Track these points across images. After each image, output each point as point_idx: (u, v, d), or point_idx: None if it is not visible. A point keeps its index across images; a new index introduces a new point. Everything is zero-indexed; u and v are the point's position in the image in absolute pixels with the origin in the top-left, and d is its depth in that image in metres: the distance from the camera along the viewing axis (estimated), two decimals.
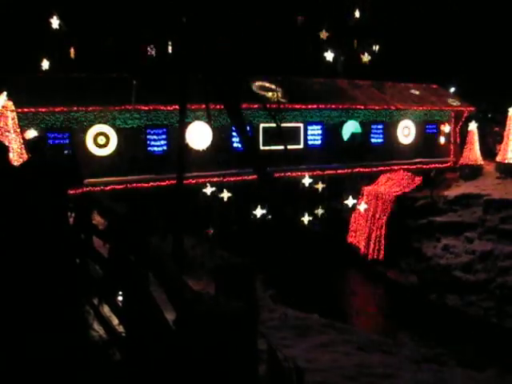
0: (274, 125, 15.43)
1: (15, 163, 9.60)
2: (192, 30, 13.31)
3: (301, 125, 18.95)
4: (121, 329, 4.53)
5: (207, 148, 16.44)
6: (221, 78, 12.94)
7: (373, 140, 20.46)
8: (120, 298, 4.64)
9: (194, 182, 16.76)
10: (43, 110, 14.89)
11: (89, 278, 5.69)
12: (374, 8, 25.17)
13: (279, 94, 17.34)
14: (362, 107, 19.98)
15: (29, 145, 5.53)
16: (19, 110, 13.46)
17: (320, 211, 19.73)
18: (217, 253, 15.98)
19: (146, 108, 16.26)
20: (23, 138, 12.77)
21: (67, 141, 15.20)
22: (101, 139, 15.75)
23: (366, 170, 20.39)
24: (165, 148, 16.71)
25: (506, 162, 19.85)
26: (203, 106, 14.80)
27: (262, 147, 17.87)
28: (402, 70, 23.28)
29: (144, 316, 3.53)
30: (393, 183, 21.89)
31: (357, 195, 20.70)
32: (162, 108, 16.46)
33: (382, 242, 20.72)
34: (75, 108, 15.32)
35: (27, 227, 4.79)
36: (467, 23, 25.04)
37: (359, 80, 21.93)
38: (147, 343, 3.49)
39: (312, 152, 19.13)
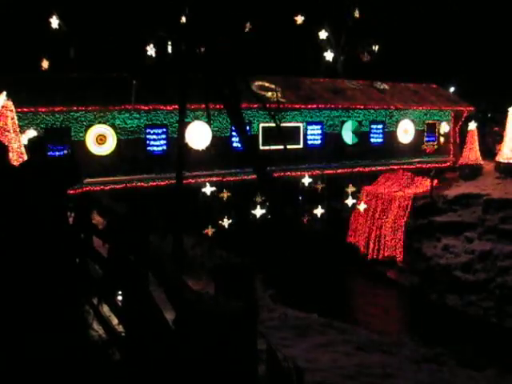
0: (273, 125, 15.43)
1: (15, 163, 9.60)
2: (192, 30, 13.31)
3: (300, 125, 18.95)
4: (120, 328, 4.53)
5: (206, 147, 16.46)
6: (221, 77, 12.94)
7: (372, 140, 20.46)
8: (119, 298, 4.64)
9: (193, 181, 16.77)
10: (43, 109, 14.89)
11: (88, 277, 5.69)
12: (374, 8, 25.18)
13: (279, 94, 17.34)
14: (362, 107, 19.99)
15: (29, 145, 5.51)
16: (19, 110, 13.45)
17: (320, 211, 19.74)
18: (216, 253, 15.98)
19: (146, 108, 16.27)
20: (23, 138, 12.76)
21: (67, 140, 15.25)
22: (100, 139, 15.75)
23: (366, 169, 20.41)
24: (164, 148, 16.72)
25: (506, 161, 19.85)
26: (203, 105, 14.81)
27: (261, 147, 17.87)
28: (402, 70, 23.28)
29: (143, 316, 3.53)
30: (392, 183, 21.90)
31: (357, 195, 20.69)
32: (161, 108, 16.47)
33: (382, 241, 20.72)
34: (75, 108, 15.32)
35: (27, 227, 4.79)
36: (467, 23, 25.04)
37: (359, 80, 21.93)
38: (147, 343, 3.49)
39: (312, 152, 19.14)
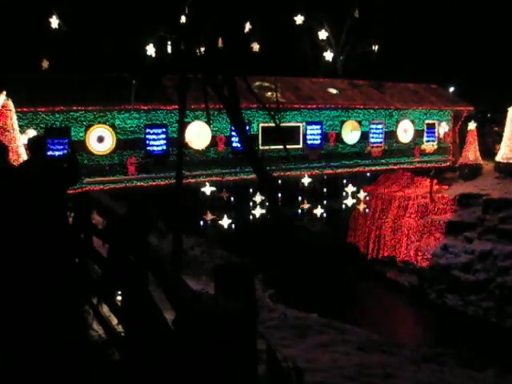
0: (273, 124, 15.43)
1: (15, 163, 9.59)
2: (192, 30, 13.31)
3: (300, 124, 18.95)
4: (120, 328, 4.53)
5: (206, 147, 16.46)
6: (221, 78, 12.93)
7: (372, 140, 20.46)
8: (119, 298, 4.64)
9: (193, 181, 16.78)
10: (43, 109, 14.90)
11: (88, 277, 5.69)
12: (374, 8, 25.17)
13: (278, 94, 17.34)
14: (362, 107, 19.99)
15: (29, 144, 5.51)
16: (19, 110, 13.45)
17: (319, 211, 19.75)
18: (216, 253, 15.99)
19: (146, 108, 16.28)
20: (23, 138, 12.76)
21: (66, 140, 15.26)
22: (100, 139, 15.76)
23: (366, 170, 20.40)
24: (164, 148, 16.72)
25: (506, 161, 19.85)
26: (203, 105, 14.80)
27: (261, 147, 17.88)
28: (402, 70, 23.28)
29: (143, 316, 3.53)
30: (392, 183, 21.91)
31: (356, 195, 20.70)
32: (161, 108, 16.48)
33: (382, 241, 20.73)
34: (75, 108, 15.33)
35: (27, 227, 4.79)
36: (467, 23, 25.04)
37: (359, 80, 21.94)
38: (146, 343, 3.48)
39: (311, 152, 19.14)
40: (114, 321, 4.73)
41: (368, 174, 20.54)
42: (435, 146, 21.83)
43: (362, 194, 20.75)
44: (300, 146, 18.94)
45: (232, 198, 18.03)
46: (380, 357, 6.67)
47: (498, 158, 20.29)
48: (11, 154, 11.16)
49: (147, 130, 16.46)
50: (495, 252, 16.43)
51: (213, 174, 17.30)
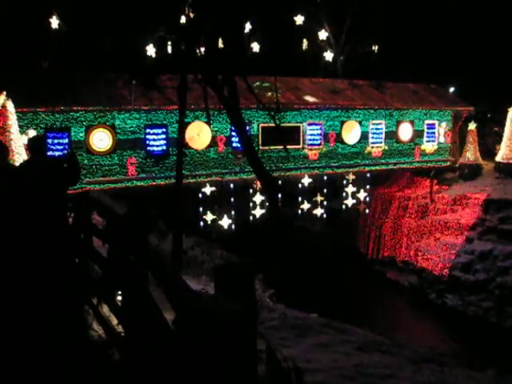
0: (273, 125, 15.43)
1: (15, 163, 9.60)
2: (192, 30, 13.30)
3: (300, 125, 18.96)
4: (120, 329, 4.53)
5: (206, 147, 16.45)
6: (221, 78, 12.92)
7: (372, 140, 20.46)
8: (119, 298, 4.64)
9: (193, 181, 16.78)
10: (43, 109, 14.90)
11: (88, 277, 5.69)
12: (374, 8, 25.17)
13: (279, 94, 17.33)
14: (362, 107, 19.99)
15: (29, 144, 5.51)
16: (19, 110, 13.45)
17: (320, 211, 19.75)
18: (216, 253, 16.00)
19: (146, 108, 16.28)
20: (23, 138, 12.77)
21: (67, 140, 15.28)
22: (100, 139, 15.76)
23: (366, 170, 20.40)
24: (164, 148, 16.72)
25: (506, 161, 19.86)
26: (202, 105, 14.79)
27: (261, 147, 17.88)
28: (402, 70, 23.27)
29: (143, 316, 3.53)
30: (392, 183, 21.89)
31: (356, 195, 20.70)
32: (161, 108, 16.48)
33: (382, 241, 20.73)
34: (75, 108, 15.33)
35: (27, 227, 4.79)
36: (467, 23, 25.03)
37: (359, 80, 21.94)
38: (146, 343, 3.48)
39: (311, 152, 19.14)
40: (114, 321, 4.73)
41: (368, 175, 20.54)
42: (435, 147, 21.83)
43: (362, 195, 20.75)
44: (300, 146, 18.94)
45: (232, 199, 18.04)
46: (379, 357, 6.67)
47: (498, 158, 20.30)
48: (11, 154, 11.18)
49: (147, 130, 16.46)
50: (495, 252, 16.45)
51: (213, 174, 17.31)
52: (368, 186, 20.89)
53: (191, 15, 13.87)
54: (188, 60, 13.04)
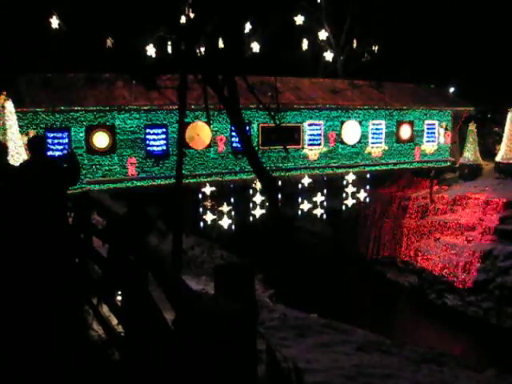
0: (273, 125, 15.42)
1: (15, 163, 9.59)
2: (192, 30, 13.29)
3: (300, 125, 18.95)
4: (120, 329, 4.53)
5: (206, 147, 16.44)
6: (221, 78, 12.92)
7: (372, 140, 20.46)
8: (119, 298, 4.64)
9: (193, 181, 16.78)
10: (43, 109, 14.90)
11: (88, 277, 5.68)
12: (374, 8, 25.17)
13: (279, 94, 17.32)
14: (361, 107, 19.98)
15: (28, 144, 5.51)
16: (19, 110, 13.45)
17: (320, 211, 19.74)
18: (216, 253, 16.00)
19: (146, 108, 16.28)
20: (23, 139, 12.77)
21: (67, 140, 15.28)
22: (100, 139, 15.76)
23: (366, 170, 20.40)
24: (164, 148, 16.73)
25: (506, 161, 19.86)
26: (202, 105, 14.79)
27: (261, 147, 17.89)
28: (402, 70, 23.26)
29: (143, 316, 3.52)
30: (392, 183, 21.88)
31: (356, 196, 20.69)
32: (161, 108, 16.48)
33: (382, 241, 20.73)
34: (75, 108, 15.33)
35: (27, 227, 4.78)
36: (467, 23, 25.03)
37: (359, 80, 21.93)
38: (146, 343, 3.48)
39: (311, 152, 19.14)
40: (114, 321, 4.73)
41: (368, 175, 20.54)
42: (435, 147, 21.84)
43: (362, 195, 20.74)
44: (300, 146, 18.94)
45: (232, 199, 18.03)
46: (379, 357, 6.67)
47: (498, 159, 20.30)
48: (11, 155, 11.18)
49: (147, 130, 16.46)
50: (495, 252, 16.44)
51: (213, 175, 17.30)
52: (368, 187, 20.90)
53: (191, 15, 13.87)
54: (188, 60, 13.03)
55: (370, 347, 7.10)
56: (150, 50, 18.70)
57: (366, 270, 20.15)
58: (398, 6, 24.78)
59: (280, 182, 18.09)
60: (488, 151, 22.35)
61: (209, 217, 17.79)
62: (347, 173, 20.01)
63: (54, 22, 18.75)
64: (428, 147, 21.61)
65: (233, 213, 18.18)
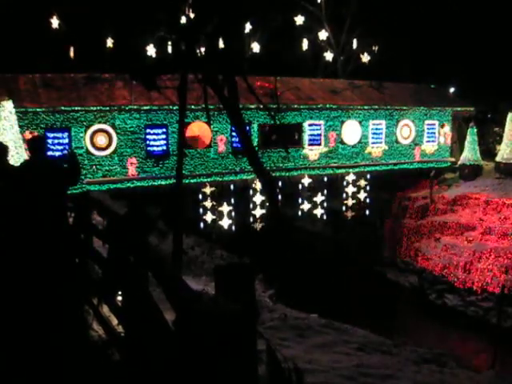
0: (273, 125, 15.43)
1: (15, 163, 9.59)
2: (192, 30, 13.29)
3: (300, 125, 18.95)
4: (120, 329, 4.53)
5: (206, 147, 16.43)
6: (221, 78, 12.92)
7: (372, 140, 20.45)
8: (119, 298, 4.64)
9: (193, 181, 16.77)
10: (43, 109, 14.90)
11: (88, 277, 5.68)
12: (374, 8, 25.17)
13: (279, 94, 17.32)
14: (361, 107, 19.98)
15: (29, 145, 5.51)
16: (19, 110, 13.45)
17: (320, 211, 19.74)
18: (216, 253, 15.99)
19: (146, 108, 16.27)
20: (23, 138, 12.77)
21: (67, 140, 15.28)
22: (100, 139, 15.76)
23: (365, 170, 20.39)
24: (164, 148, 16.72)
25: (506, 161, 19.86)
26: (202, 105, 14.78)
27: (261, 147, 17.88)
28: (402, 70, 23.28)
29: (143, 316, 3.52)
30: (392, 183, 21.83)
31: (357, 196, 20.68)
32: (161, 108, 16.47)
33: (382, 242, 20.71)
34: (75, 108, 15.33)
35: (27, 227, 4.78)
36: (467, 23, 25.04)
37: (359, 80, 21.94)
38: (146, 343, 3.48)
39: (311, 152, 19.13)
40: (114, 321, 4.73)
41: (368, 176, 20.53)
42: (435, 147, 21.83)
43: (362, 195, 20.73)
44: (300, 146, 18.94)
45: (232, 199, 18.02)
46: (380, 357, 6.67)
47: (498, 159, 20.30)
48: (11, 155, 11.17)
49: (147, 130, 16.46)
50: (495, 252, 16.42)
51: (213, 175, 17.30)
52: (368, 187, 20.89)
53: (191, 15, 13.87)
54: (188, 60, 13.03)
55: (370, 347, 7.10)
56: (150, 50, 18.72)
57: (366, 270, 20.13)
58: (398, 5, 24.79)
59: (280, 182, 18.09)
60: (488, 151, 22.34)
61: (209, 217, 17.79)
62: (347, 173, 20.01)
63: (54, 22, 18.77)
64: (428, 147, 21.60)
65: (233, 213, 18.18)
